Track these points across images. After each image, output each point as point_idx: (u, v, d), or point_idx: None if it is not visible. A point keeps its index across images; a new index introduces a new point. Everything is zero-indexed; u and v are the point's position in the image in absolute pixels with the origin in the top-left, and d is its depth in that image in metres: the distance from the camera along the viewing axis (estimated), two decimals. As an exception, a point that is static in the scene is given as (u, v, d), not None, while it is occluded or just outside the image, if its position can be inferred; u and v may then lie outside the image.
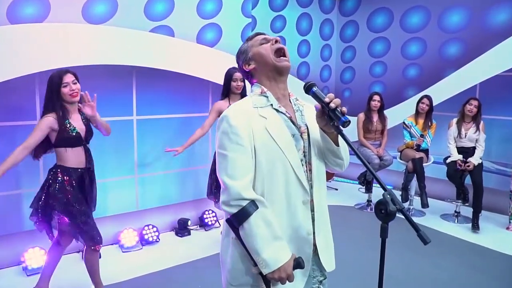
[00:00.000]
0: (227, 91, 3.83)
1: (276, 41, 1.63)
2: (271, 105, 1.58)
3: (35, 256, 3.63)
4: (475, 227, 4.78)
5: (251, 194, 1.46)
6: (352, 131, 5.61)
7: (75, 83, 2.87)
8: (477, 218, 4.83)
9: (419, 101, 5.37)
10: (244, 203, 1.43)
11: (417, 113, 5.40)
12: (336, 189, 6.48)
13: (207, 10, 4.52)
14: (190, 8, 4.40)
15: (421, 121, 5.38)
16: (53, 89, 2.83)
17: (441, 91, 5.87)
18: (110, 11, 3.85)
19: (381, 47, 6.64)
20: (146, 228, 4.33)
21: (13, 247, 3.70)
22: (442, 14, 5.89)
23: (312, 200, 1.58)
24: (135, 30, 3.99)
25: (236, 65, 1.78)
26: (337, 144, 1.58)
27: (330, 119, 1.46)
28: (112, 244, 4.21)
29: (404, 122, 5.48)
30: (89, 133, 3.02)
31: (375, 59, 6.74)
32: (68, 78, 2.85)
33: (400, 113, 6.12)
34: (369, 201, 5.64)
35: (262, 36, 1.66)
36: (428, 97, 5.35)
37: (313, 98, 1.51)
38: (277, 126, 1.54)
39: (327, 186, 6.35)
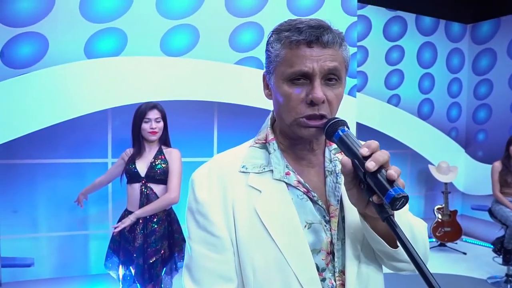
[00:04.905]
0: None
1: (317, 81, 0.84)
2: (272, 171, 0.91)
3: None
4: None
5: None
6: (485, 183, 4.50)
7: (158, 121, 2.63)
8: None
9: None
10: None
11: None
12: (465, 253, 5.24)
13: (303, 40, 3.99)
14: (283, 38, 3.91)
15: None
16: (135, 123, 2.65)
17: None
18: (190, 42, 3.54)
19: (527, 79, 5.40)
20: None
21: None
22: None
23: None
24: (218, 63, 3.62)
25: None
26: (393, 244, 0.85)
27: (367, 191, 0.76)
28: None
29: (558, 175, 4.22)
30: (153, 171, 2.63)
31: (518, 94, 5.50)
32: (152, 114, 2.62)
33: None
34: (508, 275, 4.37)
35: (304, 71, 0.83)
36: None
37: (340, 148, 0.83)
38: (279, 207, 0.88)
39: (452, 249, 5.21)
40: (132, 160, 2.64)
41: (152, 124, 2.61)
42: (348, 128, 0.83)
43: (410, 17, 5.41)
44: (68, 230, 3.41)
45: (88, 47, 3.27)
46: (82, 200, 3.02)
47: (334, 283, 0.88)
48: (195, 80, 3.56)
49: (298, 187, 0.90)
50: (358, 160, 0.76)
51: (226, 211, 0.87)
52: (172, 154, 2.69)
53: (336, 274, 0.88)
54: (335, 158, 0.96)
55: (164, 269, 2.68)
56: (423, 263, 0.68)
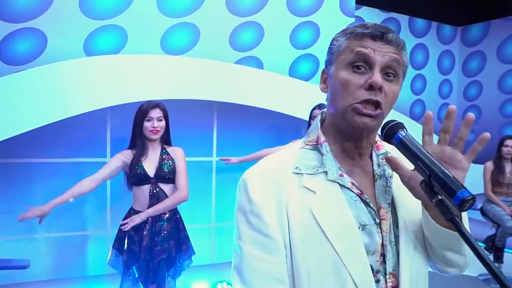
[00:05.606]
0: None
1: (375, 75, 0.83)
2: (325, 173, 0.90)
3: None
4: None
5: None
6: (474, 183, 4.56)
7: (160, 120, 2.58)
8: None
9: None
10: None
11: None
12: (455, 252, 5.33)
13: (303, 40, 3.99)
14: (283, 37, 3.91)
15: None
16: (136, 122, 2.59)
17: None
18: (191, 41, 3.51)
19: (516, 81, 5.52)
20: (219, 285, 3.77)
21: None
22: None
23: None
24: (218, 62, 3.59)
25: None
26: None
27: (430, 193, 0.76)
28: (181, 301, 3.72)
29: (549, 175, 4.31)
30: (162, 171, 2.59)
31: (507, 95, 5.62)
32: (154, 113, 2.56)
33: (543, 163, 4.89)
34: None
35: (365, 52, 0.84)
36: None
37: (400, 151, 0.83)
38: (334, 208, 0.87)
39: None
40: (137, 161, 2.59)
41: (154, 123, 2.56)
42: (407, 131, 0.83)
43: (403, 19, 5.47)
44: (66, 231, 3.34)
45: (87, 44, 3.21)
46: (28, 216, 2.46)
47: (385, 284, 0.88)
48: (195, 79, 3.52)
49: (351, 189, 0.89)
50: (422, 162, 0.76)
51: (280, 212, 0.86)
52: (177, 153, 2.67)
53: (387, 276, 0.88)
54: (383, 163, 0.96)
55: (170, 270, 2.65)
56: (492, 262, 0.69)
